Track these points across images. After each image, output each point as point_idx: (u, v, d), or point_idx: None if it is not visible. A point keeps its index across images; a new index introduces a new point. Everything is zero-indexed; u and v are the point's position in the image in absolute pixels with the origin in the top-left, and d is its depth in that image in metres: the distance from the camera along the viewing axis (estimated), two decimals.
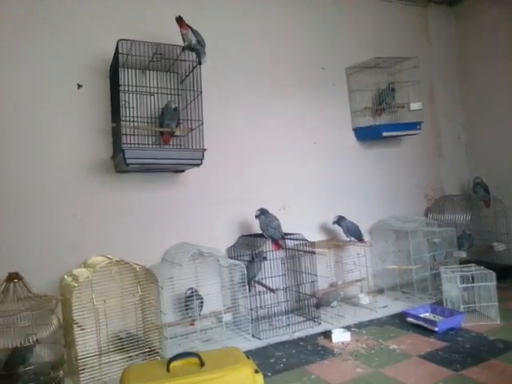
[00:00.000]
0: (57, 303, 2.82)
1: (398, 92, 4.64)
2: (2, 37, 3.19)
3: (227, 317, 3.60)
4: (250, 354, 2.43)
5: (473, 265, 3.63)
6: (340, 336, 3.29)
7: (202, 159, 3.29)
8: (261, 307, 3.59)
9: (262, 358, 3.05)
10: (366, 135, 4.62)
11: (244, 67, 4.07)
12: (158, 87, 3.54)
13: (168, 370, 2.06)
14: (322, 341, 3.33)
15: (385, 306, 3.99)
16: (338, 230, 4.17)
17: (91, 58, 3.45)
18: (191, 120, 3.40)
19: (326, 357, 3.02)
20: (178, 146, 3.57)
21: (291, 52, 4.35)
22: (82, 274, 2.89)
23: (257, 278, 3.62)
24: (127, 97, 3.29)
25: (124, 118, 3.23)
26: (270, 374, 2.80)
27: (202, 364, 2.10)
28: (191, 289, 3.40)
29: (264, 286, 3.65)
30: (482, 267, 3.57)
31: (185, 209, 3.72)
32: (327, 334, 3.37)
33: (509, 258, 4.72)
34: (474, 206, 4.93)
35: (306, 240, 3.69)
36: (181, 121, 3.48)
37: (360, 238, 4.03)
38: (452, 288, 3.62)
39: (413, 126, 4.55)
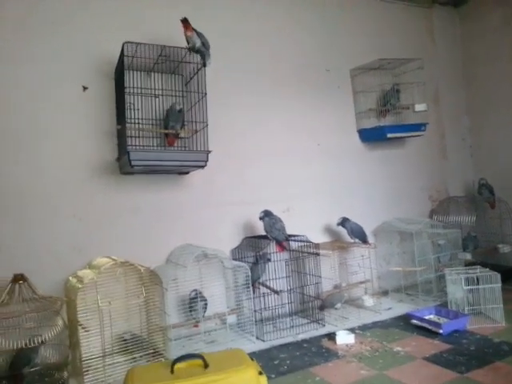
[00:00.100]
0: (62, 304, 2.84)
1: (402, 93, 4.63)
2: (2, 37, 3.20)
3: (231, 318, 3.60)
4: (253, 355, 2.44)
5: (478, 267, 3.61)
6: (344, 338, 3.29)
7: (206, 161, 3.30)
8: (265, 309, 3.60)
9: (266, 360, 3.05)
10: (371, 136, 4.62)
11: (246, 68, 4.07)
12: (162, 89, 3.55)
13: (172, 371, 2.07)
14: (326, 343, 3.33)
15: (389, 308, 3.98)
16: (342, 231, 4.17)
17: (96, 60, 3.47)
18: (196, 122, 3.40)
19: (330, 359, 3.02)
20: (183, 148, 3.58)
21: (295, 54, 4.35)
22: (86, 276, 2.90)
23: (261, 280, 3.63)
24: (132, 99, 3.30)
25: (129, 120, 3.25)
26: (273, 375, 2.80)
27: (206, 366, 2.10)
28: (195, 290, 3.41)
29: (268, 287, 3.65)
30: (487, 269, 3.56)
31: (189, 210, 3.73)
32: (331, 336, 3.36)
33: None
34: (479, 208, 4.91)
35: (310, 242, 3.69)
36: (185, 122, 3.48)
37: (364, 240, 4.03)
38: (457, 290, 3.60)
39: (417, 127, 4.54)
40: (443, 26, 5.35)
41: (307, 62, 4.41)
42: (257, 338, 3.45)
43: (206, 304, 3.43)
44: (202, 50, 3.25)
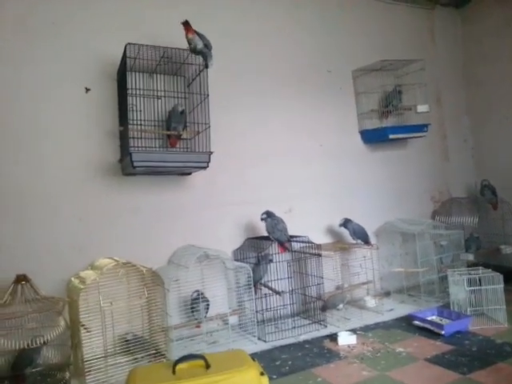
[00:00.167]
0: (64, 305, 2.84)
1: (404, 94, 4.63)
2: (3, 37, 3.22)
3: (233, 319, 3.60)
4: (255, 356, 2.44)
5: (480, 267, 3.60)
6: (346, 339, 3.28)
7: (208, 162, 3.30)
8: (267, 310, 3.59)
9: (268, 361, 3.05)
10: (373, 137, 4.62)
11: (247, 68, 4.08)
12: (165, 90, 3.56)
13: (174, 372, 2.06)
14: (327, 344, 3.33)
15: (391, 309, 3.98)
16: (345, 232, 4.17)
17: (98, 61, 3.47)
18: (198, 123, 3.41)
19: (331, 360, 3.02)
20: (185, 149, 3.59)
21: (296, 54, 4.36)
22: (88, 276, 2.90)
23: (263, 281, 3.62)
24: (134, 100, 3.31)
25: (131, 122, 3.25)
26: (275, 376, 2.80)
27: (207, 366, 2.10)
28: (197, 291, 3.41)
29: (270, 288, 3.65)
30: (490, 270, 3.56)
31: (191, 211, 3.73)
32: (333, 337, 3.36)
33: None
34: (482, 209, 4.90)
35: (312, 242, 3.69)
36: (187, 124, 3.49)
37: (366, 241, 4.03)
38: (459, 291, 3.60)
39: (419, 128, 4.54)
40: (444, 27, 5.35)
41: (308, 63, 4.41)
42: (258, 338, 3.45)
43: (207, 305, 3.44)
44: (204, 52, 3.25)
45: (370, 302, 4.02)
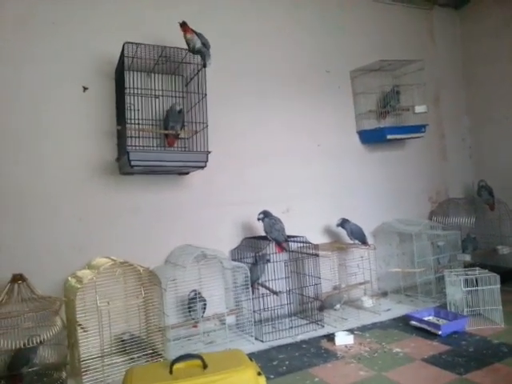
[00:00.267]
0: (60, 305, 2.84)
1: (402, 95, 4.64)
2: (2, 37, 3.21)
3: (230, 319, 3.59)
4: (252, 356, 2.44)
5: (477, 268, 3.61)
6: (343, 339, 3.29)
7: (206, 161, 3.30)
8: (264, 310, 3.59)
9: (265, 361, 3.05)
10: (371, 138, 4.62)
11: (246, 68, 4.08)
12: (162, 90, 3.56)
13: (171, 372, 2.06)
14: (325, 344, 3.33)
15: (388, 309, 3.98)
16: (342, 232, 4.17)
17: (97, 61, 3.47)
18: (196, 122, 3.41)
19: (329, 360, 3.02)
20: (183, 149, 3.58)
21: (295, 54, 4.36)
22: (85, 276, 2.90)
23: (260, 281, 3.63)
24: (132, 99, 3.30)
25: (129, 121, 3.25)
26: (272, 376, 2.80)
27: (204, 366, 2.09)
28: (194, 291, 3.40)
29: (267, 288, 3.65)
30: (487, 270, 3.56)
31: (189, 211, 3.73)
32: (330, 337, 3.37)
33: None
34: (479, 209, 4.91)
35: (310, 242, 3.69)
36: (185, 123, 3.49)
37: (364, 241, 4.03)
38: (456, 291, 3.60)
39: (417, 128, 4.54)
40: (443, 27, 5.36)
41: (307, 63, 4.41)
42: (256, 338, 3.45)
43: (205, 304, 3.43)
44: (202, 51, 3.25)
45: (368, 302, 4.02)
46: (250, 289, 3.46)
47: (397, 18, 5.04)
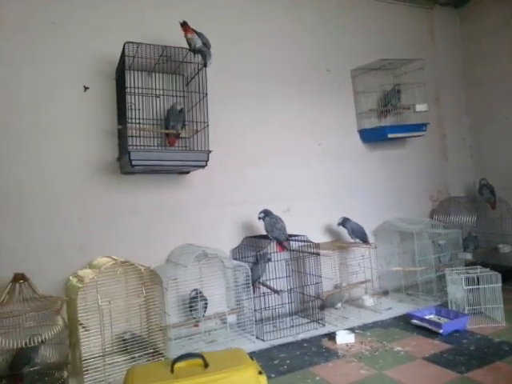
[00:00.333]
0: (62, 304, 2.84)
1: (403, 94, 4.63)
2: (3, 37, 3.21)
3: (231, 318, 3.59)
4: (253, 355, 2.43)
5: (478, 266, 3.61)
6: (344, 338, 3.29)
7: (207, 161, 3.30)
8: (265, 309, 3.60)
9: (266, 360, 3.05)
10: (372, 137, 4.62)
11: (247, 68, 4.08)
12: (163, 89, 3.56)
13: (172, 371, 2.06)
14: (326, 342, 3.33)
15: (389, 308, 3.98)
16: (343, 231, 4.17)
17: (97, 61, 3.47)
18: (196, 122, 3.41)
19: (330, 358, 3.02)
20: (184, 148, 3.58)
21: (295, 54, 4.36)
22: (87, 275, 2.90)
23: (261, 280, 3.63)
24: (133, 99, 3.30)
25: (130, 120, 3.25)
26: (273, 375, 2.80)
27: (206, 365, 2.10)
28: (196, 290, 3.41)
29: (268, 287, 3.65)
30: (488, 269, 3.56)
31: (190, 210, 3.73)
32: (331, 336, 3.37)
33: None
34: (480, 208, 4.91)
35: (311, 241, 3.69)
36: (186, 122, 3.49)
37: (365, 240, 4.03)
38: (457, 290, 3.60)
39: (418, 127, 4.54)
40: (444, 26, 5.35)
41: (307, 62, 4.41)
42: (257, 337, 3.45)
43: (206, 304, 3.43)
44: (203, 50, 3.25)
45: (369, 300, 4.02)
46: (251, 288, 3.47)
47: (397, 17, 5.03)
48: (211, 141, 3.31)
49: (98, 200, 3.42)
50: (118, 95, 3.46)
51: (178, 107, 3.37)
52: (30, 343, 2.65)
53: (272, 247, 3.61)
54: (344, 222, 4.02)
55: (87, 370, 2.78)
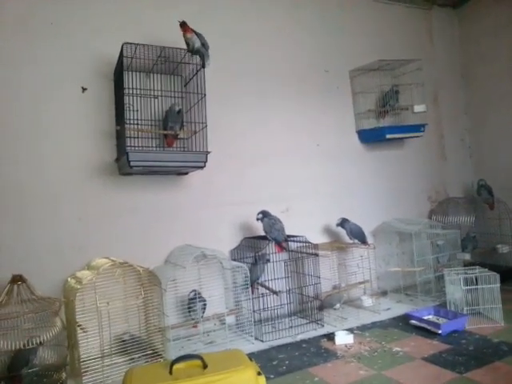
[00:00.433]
0: (60, 305, 2.84)
1: (401, 94, 4.64)
2: (3, 37, 3.21)
3: (230, 319, 3.59)
4: (252, 356, 2.44)
5: (477, 267, 3.61)
6: (343, 338, 3.28)
7: (205, 161, 3.30)
8: (264, 309, 3.59)
9: (265, 361, 3.05)
10: (370, 137, 4.63)
11: (246, 69, 4.08)
12: (161, 90, 3.55)
13: (171, 372, 2.06)
14: (325, 343, 3.33)
15: (388, 309, 3.99)
16: (342, 232, 4.17)
17: (96, 61, 3.47)
18: (195, 122, 3.40)
19: (328, 359, 3.02)
20: (182, 149, 3.58)
21: (295, 54, 4.36)
22: (85, 276, 2.89)
23: (260, 281, 3.63)
24: (131, 100, 3.30)
25: (128, 121, 3.24)
26: (272, 376, 2.80)
27: (204, 366, 2.09)
28: (194, 291, 3.40)
29: (267, 288, 3.65)
30: (486, 269, 3.56)
31: (188, 211, 3.73)
32: (330, 337, 3.37)
33: None
34: (478, 208, 4.92)
35: (310, 242, 3.69)
36: (184, 123, 3.49)
37: (363, 240, 4.03)
38: (456, 290, 3.61)
39: (416, 128, 4.55)
40: (442, 27, 5.36)
41: (307, 63, 4.42)
42: (256, 338, 3.45)
43: (204, 304, 3.43)
44: (201, 51, 3.25)
45: (367, 301, 4.02)
46: (250, 289, 3.46)
47: (396, 17, 5.04)
48: (210, 141, 3.31)
49: (97, 200, 3.42)
50: (117, 96, 3.46)
51: (177, 108, 3.37)
52: (28, 345, 2.64)
53: (271, 248, 3.61)
54: (343, 222, 4.02)
55: (86, 372, 2.78)
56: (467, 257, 4.42)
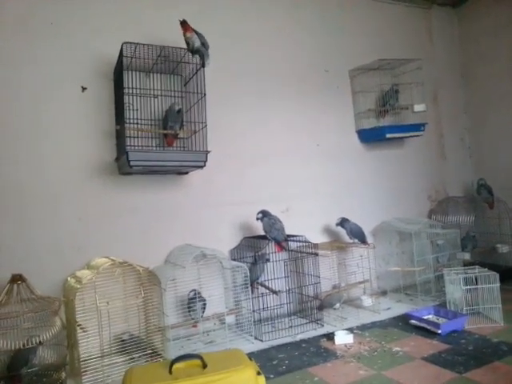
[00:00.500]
0: (60, 305, 2.83)
1: (401, 94, 4.64)
2: (3, 37, 3.21)
3: (230, 319, 3.59)
4: (252, 355, 2.44)
5: (476, 266, 3.61)
6: (343, 338, 3.28)
7: (205, 161, 3.30)
8: (263, 309, 3.60)
9: (265, 360, 3.05)
10: (370, 137, 4.62)
11: (246, 68, 4.08)
12: (161, 89, 3.55)
13: (170, 371, 2.06)
14: (324, 343, 3.33)
15: (388, 308, 3.99)
16: (341, 231, 4.17)
17: (96, 61, 3.47)
18: (195, 122, 3.40)
19: (328, 359, 3.02)
20: (182, 148, 3.58)
21: (295, 54, 4.36)
22: (85, 276, 2.90)
23: (259, 280, 3.63)
24: (131, 99, 3.29)
25: (128, 121, 3.24)
26: (272, 376, 2.80)
27: (204, 366, 2.09)
28: (194, 291, 3.40)
29: (267, 287, 3.65)
30: (486, 269, 3.56)
31: (188, 210, 3.73)
32: (330, 336, 3.37)
33: None
34: (478, 208, 4.92)
35: (309, 242, 3.69)
36: (184, 123, 3.48)
37: (363, 240, 4.03)
38: (455, 290, 3.61)
39: (416, 127, 4.55)
40: (442, 26, 5.36)
41: (307, 63, 4.41)
42: (255, 338, 3.45)
43: (204, 304, 3.43)
44: (201, 50, 3.25)
45: (367, 301, 4.02)
46: (250, 288, 3.46)
47: (395, 17, 5.04)
48: (210, 141, 3.31)
49: (96, 200, 3.42)
50: (116, 95, 3.46)
51: (176, 107, 3.37)
52: (27, 344, 2.64)
53: (270, 247, 3.61)
54: (342, 222, 4.02)
55: (85, 371, 2.78)
56: (467, 256, 4.42)
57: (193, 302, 3.37)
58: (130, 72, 3.28)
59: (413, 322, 3.51)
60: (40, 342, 2.67)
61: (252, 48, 4.14)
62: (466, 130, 5.42)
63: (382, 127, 4.51)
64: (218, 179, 3.83)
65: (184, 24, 3.21)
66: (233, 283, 3.70)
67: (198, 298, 3.37)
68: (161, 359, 2.97)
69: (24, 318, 2.62)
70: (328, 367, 2.89)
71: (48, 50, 3.33)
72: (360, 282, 4.03)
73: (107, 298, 2.92)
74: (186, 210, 3.72)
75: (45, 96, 3.30)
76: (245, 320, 3.56)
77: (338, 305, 3.84)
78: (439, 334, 3.26)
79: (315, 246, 3.69)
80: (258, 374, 2.13)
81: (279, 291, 3.68)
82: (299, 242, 3.71)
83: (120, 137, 3.37)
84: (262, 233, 3.64)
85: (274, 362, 3.02)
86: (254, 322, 3.48)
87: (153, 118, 3.50)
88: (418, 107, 4.56)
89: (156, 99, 3.51)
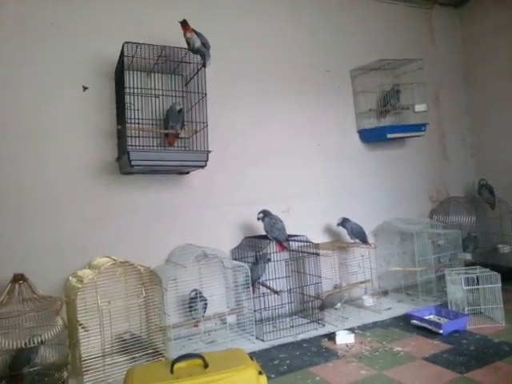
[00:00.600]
0: (61, 304, 2.84)
1: (402, 94, 4.64)
2: (2, 37, 3.21)
3: (231, 318, 3.59)
4: (253, 355, 2.43)
5: (478, 267, 3.61)
6: (344, 338, 3.28)
7: (206, 161, 3.30)
8: (265, 309, 3.60)
9: (266, 360, 3.05)
10: (371, 137, 4.62)
11: (247, 68, 4.08)
12: (162, 89, 3.55)
13: (172, 371, 2.06)
14: (325, 343, 3.33)
15: (389, 308, 3.98)
16: (343, 231, 4.17)
17: (97, 61, 3.47)
18: (196, 122, 3.40)
19: (329, 359, 3.02)
20: (183, 148, 3.58)
21: (295, 54, 4.36)
22: (86, 276, 2.90)
23: (261, 280, 3.63)
24: (132, 99, 3.30)
25: (129, 120, 3.25)
26: (273, 375, 2.80)
27: (205, 365, 2.09)
28: (195, 290, 3.41)
29: (268, 287, 3.65)
30: (487, 269, 3.56)
31: (189, 210, 3.73)
32: (331, 336, 3.36)
33: None
34: (479, 208, 4.91)
35: (310, 242, 3.69)
36: (185, 123, 3.49)
37: (364, 240, 4.03)
38: (457, 290, 3.61)
39: (417, 127, 4.54)
40: (443, 26, 5.36)
41: (307, 63, 4.41)
42: (257, 337, 3.45)
43: (205, 304, 3.43)
44: (201, 50, 3.25)
45: (368, 301, 4.02)
46: (251, 288, 3.47)
47: (397, 17, 5.04)
48: (211, 141, 3.31)
49: (97, 200, 3.42)
50: (117, 95, 3.46)
51: (177, 107, 3.37)
52: (29, 344, 2.64)
53: (271, 247, 3.61)
54: (343, 222, 4.02)
55: (87, 371, 2.78)
56: (468, 257, 4.41)
57: (194, 302, 3.37)
58: (131, 72, 3.29)
59: (414, 322, 3.51)
60: (42, 341, 2.67)
61: (252, 48, 4.14)
62: (467, 131, 5.42)
63: (383, 127, 4.51)
64: (218, 179, 3.83)
65: (184, 24, 3.21)
66: (234, 283, 3.70)
67: (200, 297, 3.37)
68: (162, 359, 2.97)
69: (26, 318, 2.62)
70: (329, 367, 2.89)
71: (48, 49, 3.34)
72: (361, 282, 4.03)
73: (108, 298, 2.92)
74: (186, 209, 3.72)
75: (45, 96, 3.31)
76: (246, 320, 3.56)
77: (339, 305, 3.84)
78: (441, 334, 3.26)
79: (316, 245, 3.69)
80: (260, 373, 2.13)
81: (280, 291, 3.68)
82: (300, 241, 3.71)
83: (121, 136, 3.38)
84: (263, 233, 3.64)
85: (276, 362, 3.02)
86: (256, 321, 3.48)
87: (154, 117, 3.51)
88: (419, 107, 4.56)
89: (157, 99, 3.51)
